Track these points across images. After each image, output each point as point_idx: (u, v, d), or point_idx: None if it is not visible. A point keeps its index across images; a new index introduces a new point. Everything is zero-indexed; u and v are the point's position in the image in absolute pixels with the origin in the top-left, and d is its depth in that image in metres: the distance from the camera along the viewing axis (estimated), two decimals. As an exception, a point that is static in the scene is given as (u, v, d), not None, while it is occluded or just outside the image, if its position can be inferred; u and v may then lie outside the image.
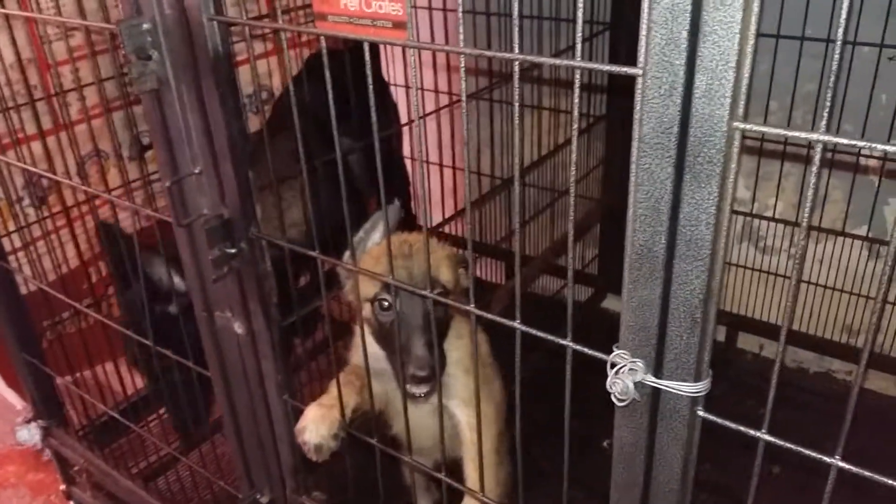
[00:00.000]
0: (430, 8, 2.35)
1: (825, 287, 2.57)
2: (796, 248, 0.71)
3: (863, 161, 2.36)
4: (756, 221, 2.66)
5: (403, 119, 2.56)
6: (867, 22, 2.16)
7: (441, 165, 2.74)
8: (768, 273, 2.68)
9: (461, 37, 0.79)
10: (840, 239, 2.49)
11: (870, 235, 2.45)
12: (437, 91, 2.59)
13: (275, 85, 2.67)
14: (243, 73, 2.73)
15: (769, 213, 2.62)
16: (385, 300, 1.32)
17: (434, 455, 1.56)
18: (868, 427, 2.45)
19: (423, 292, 1.03)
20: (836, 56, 0.63)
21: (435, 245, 1.43)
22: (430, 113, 2.18)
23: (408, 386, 1.28)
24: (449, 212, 2.57)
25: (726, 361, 2.80)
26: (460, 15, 0.78)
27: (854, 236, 2.47)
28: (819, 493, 0.80)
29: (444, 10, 2.46)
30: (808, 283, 2.59)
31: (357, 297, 1.30)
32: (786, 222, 2.58)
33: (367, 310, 1.34)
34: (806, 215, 0.70)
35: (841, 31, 0.62)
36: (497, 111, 2.88)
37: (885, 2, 2.12)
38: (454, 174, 2.91)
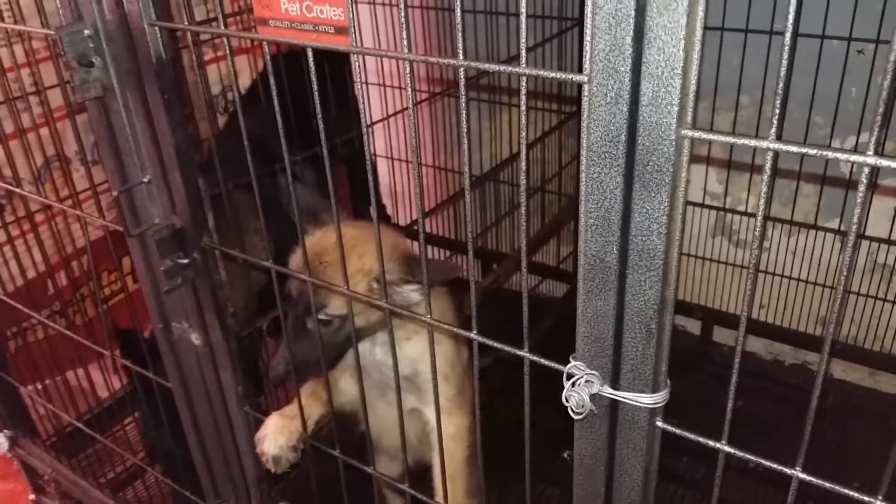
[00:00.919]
0: (396, 5, 2.31)
1: (798, 280, 2.57)
2: (754, 240, 0.69)
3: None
4: (729, 216, 2.66)
5: (369, 117, 2.54)
6: (836, 15, 2.15)
7: (409, 163, 2.72)
8: (742, 267, 2.68)
9: (405, 42, 0.76)
10: (812, 232, 2.49)
11: (841, 228, 2.45)
12: (401, 88, 2.56)
13: (243, 84, 2.63)
14: (212, 72, 2.69)
15: (742, 208, 2.61)
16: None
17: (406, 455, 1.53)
18: (843, 416, 2.47)
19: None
20: (784, 61, 0.61)
21: (353, 254, 1.27)
22: (395, 114, 2.15)
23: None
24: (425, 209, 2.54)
25: (702, 355, 2.80)
26: (403, 20, 0.75)
27: (826, 229, 2.47)
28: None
29: (405, 6, 2.43)
30: (782, 276, 2.60)
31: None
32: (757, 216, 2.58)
33: None
34: (759, 223, 0.68)
35: (789, 24, 0.60)
36: (472, 108, 2.86)
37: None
38: (427, 172, 2.89)
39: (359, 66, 0.81)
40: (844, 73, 2.23)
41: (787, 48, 0.60)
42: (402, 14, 0.74)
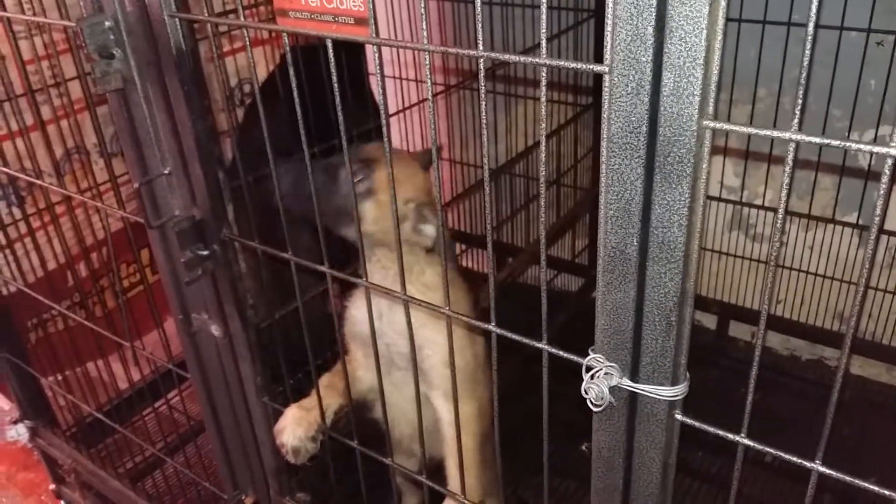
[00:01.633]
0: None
1: (815, 275, 2.55)
2: (774, 234, 0.69)
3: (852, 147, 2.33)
4: (746, 209, 2.64)
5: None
6: (854, 7, 2.13)
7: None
8: (759, 261, 2.66)
9: (424, 34, 0.76)
10: (830, 226, 2.47)
11: (860, 223, 2.43)
12: (418, 81, 2.57)
13: (261, 76, 2.64)
14: (229, 64, 2.70)
15: (759, 202, 2.60)
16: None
17: (416, 445, 1.54)
18: (860, 412, 2.46)
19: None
20: (807, 54, 0.61)
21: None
22: (411, 106, 2.15)
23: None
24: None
25: (718, 350, 2.79)
26: (422, 10, 0.75)
27: (844, 223, 2.45)
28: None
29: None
30: (799, 270, 2.58)
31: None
32: (775, 210, 2.55)
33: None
34: (780, 215, 0.68)
35: (811, 20, 0.60)
36: (487, 101, 2.85)
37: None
38: (443, 165, 2.89)
39: (377, 57, 0.81)
40: (863, 66, 2.21)
41: (809, 38, 0.60)
42: (422, 5, 0.74)
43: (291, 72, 0.89)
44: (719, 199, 2.64)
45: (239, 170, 1.11)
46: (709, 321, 2.85)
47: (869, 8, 2.11)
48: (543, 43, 0.69)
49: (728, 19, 2.04)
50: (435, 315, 1.35)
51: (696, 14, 0.61)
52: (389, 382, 1.44)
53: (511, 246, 2.96)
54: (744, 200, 2.61)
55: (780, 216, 0.68)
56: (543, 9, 0.68)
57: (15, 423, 2.35)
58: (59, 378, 2.04)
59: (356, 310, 1.46)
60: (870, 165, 2.34)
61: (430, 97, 0.80)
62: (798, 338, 2.73)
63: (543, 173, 0.79)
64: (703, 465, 2.24)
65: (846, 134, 2.32)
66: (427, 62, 0.78)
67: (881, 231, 2.40)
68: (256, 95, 1.00)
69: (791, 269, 2.60)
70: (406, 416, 1.46)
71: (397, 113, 2.26)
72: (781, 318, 2.66)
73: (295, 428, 1.25)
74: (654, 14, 0.62)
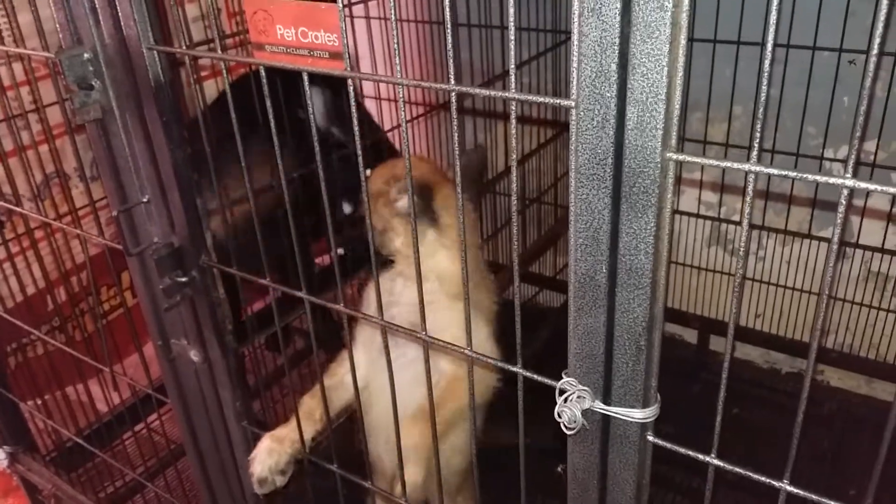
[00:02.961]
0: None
1: (794, 289, 2.59)
2: (740, 249, 0.71)
3: (826, 164, 2.38)
4: (724, 225, 2.68)
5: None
6: (827, 26, 2.18)
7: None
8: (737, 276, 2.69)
9: (398, 68, 0.78)
10: (807, 241, 2.51)
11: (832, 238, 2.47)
12: (409, 102, 2.59)
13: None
14: (208, 88, 2.71)
15: (736, 217, 2.63)
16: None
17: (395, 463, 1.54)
18: (840, 425, 2.49)
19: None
20: (765, 85, 0.63)
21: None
22: (393, 129, 2.17)
23: None
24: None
25: (699, 364, 2.81)
26: (395, 46, 0.77)
27: (820, 238, 2.49)
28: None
29: (404, 20, 2.45)
30: (777, 285, 2.62)
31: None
32: (752, 226, 2.60)
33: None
34: (742, 242, 0.70)
35: (770, 37, 0.62)
36: (469, 121, 2.88)
37: (844, 6, 2.14)
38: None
39: (354, 89, 0.83)
40: (836, 84, 2.25)
41: (767, 65, 0.62)
42: (395, 40, 0.76)
43: (232, 107, 0.90)
44: (697, 216, 2.68)
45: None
46: (690, 336, 2.88)
47: (841, 27, 2.16)
48: (512, 78, 0.71)
49: (702, 40, 2.07)
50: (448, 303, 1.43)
51: (658, 52, 0.63)
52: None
53: (493, 263, 2.98)
54: (722, 216, 2.65)
55: (743, 237, 0.70)
56: (511, 45, 0.69)
57: (-6, 447, 2.33)
58: (39, 402, 2.03)
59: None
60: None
61: (403, 126, 0.81)
62: (777, 351, 2.76)
63: (515, 203, 0.81)
64: (684, 480, 2.26)
65: (821, 151, 2.36)
66: (401, 95, 0.80)
67: (855, 246, 2.44)
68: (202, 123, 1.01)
69: (769, 283, 2.63)
70: (407, 397, 1.45)
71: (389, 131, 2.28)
72: (760, 331, 2.70)
73: (265, 459, 1.26)
74: (617, 52, 0.64)
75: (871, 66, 0.58)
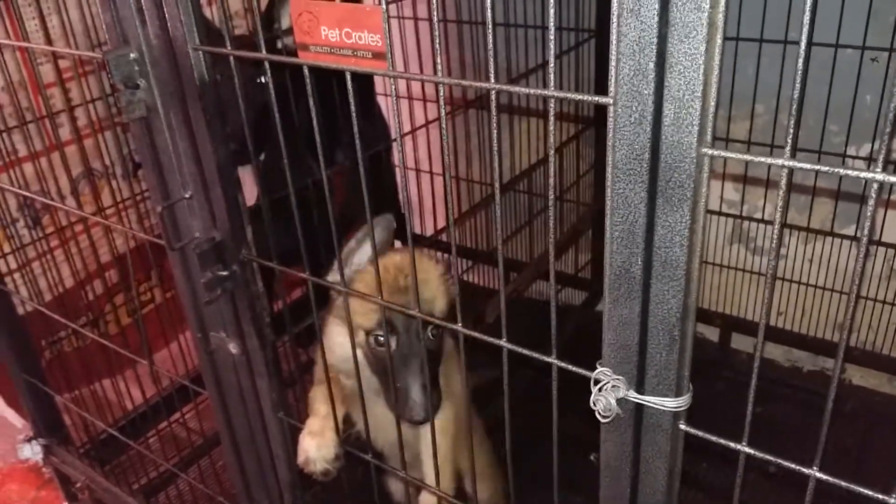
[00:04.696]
0: (415, 18, 2.37)
1: (816, 287, 2.59)
2: (771, 251, 0.73)
3: (849, 162, 2.38)
4: (746, 223, 2.68)
5: (392, 130, 2.59)
6: (849, 24, 2.18)
7: (432, 174, 2.76)
8: (759, 274, 2.70)
9: (439, 67, 0.81)
10: (829, 239, 2.51)
11: (858, 235, 2.47)
12: (425, 100, 2.62)
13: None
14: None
15: (758, 215, 2.64)
16: (381, 336, 1.32)
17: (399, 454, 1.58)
18: (862, 422, 2.49)
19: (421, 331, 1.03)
20: (798, 80, 0.65)
21: (429, 269, 1.38)
22: (420, 127, 2.20)
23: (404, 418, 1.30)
24: (442, 219, 2.60)
25: (721, 362, 2.82)
26: (437, 45, 0.80)
27: (843, 236, 2.49)
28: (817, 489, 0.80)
29: (427, 20, 2.48)
30: (800, 283, 2.62)
31: (347, 316, 1.28)
32: (774, 223, 2.60)
33: (360, 337, 1.35)
34: (776, 235, 0.72)
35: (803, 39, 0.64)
36: (487, 118, 2.90)
37: (867, 4, 2.15)
38: (449, 182, 2.93)
39: (394, 90, 0.86)
40: (859, 82, 2.26)
41: (801, 61, 0.65)
42: (437, 41, 0.79)
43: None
44: (720, 214, 2.68)
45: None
46: (711, 334, 2.88)
47: (863, 25, 2.17)
48: (552, 77, 0.74)
49: (726, 38, 2.09)
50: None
51: (695, 51, 0.65)
52: (379, 403, 1.47)
53: (515, 261, 3.01)
54: (744, 214, 2.66)
55: (775, 233, 0.72)
56: (552, 45, 0.72)
57: (28, 441, 2.39)
58: (73, 396, 2.08)
59: (337, 346, 1.42)
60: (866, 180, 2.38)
61: (442, 126, 0.84)
62: (799, 349, 2.76)
63: (552, 196, 0.83)
64: (707, 476, 2.27)
65: (843, 149, 2.37)
66: (441, 93, 0.83)
67: (878, 244, 2.44)
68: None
69: (791, 281, 2.64)
70: (392, 424, 1.48)
71: (407, 133, 2.31)
72: (783, 329, 2.70)
73: (317, 454, 1.29)
74: (654, 51, 0.67)
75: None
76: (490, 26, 0.76)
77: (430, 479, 1.43)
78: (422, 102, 2.57)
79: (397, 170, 2.67)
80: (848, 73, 2.25)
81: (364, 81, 2.09)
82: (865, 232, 0.68)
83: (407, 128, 2.37)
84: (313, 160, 1.90)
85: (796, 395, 2.68)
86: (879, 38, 2.17)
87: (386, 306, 1.13)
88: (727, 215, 2.68)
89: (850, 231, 2.48)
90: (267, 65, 0.98)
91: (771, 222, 2.60)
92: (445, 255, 1.52)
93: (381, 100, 2.56)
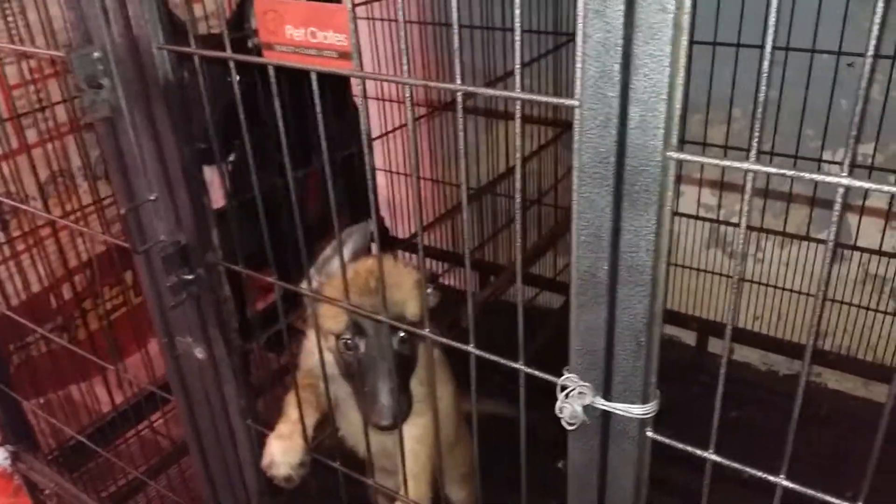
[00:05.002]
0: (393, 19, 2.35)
1: (792, 291, 2.61)
2: (737, 254, 0.72)
3: (825, 167, 2.40)
4: (723, 227, 2.69)
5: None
6: (825, 30, 2.19)
7: (409, 176, 2.75)
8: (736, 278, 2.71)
9: (405, 67, 0.79)
10: (805, 243, 2.52)
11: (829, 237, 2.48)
12: (401, 102, 2.60)
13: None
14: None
15: (735, 219, 2.65)
16: (350, 340, 1.30)
17: (381, 462, 1.56)
18: (837, 427, 2.50)
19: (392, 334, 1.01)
20: (764, 86, 0.65)
21: (402, 273, 1.37)
22: (394, 130, 2.18)
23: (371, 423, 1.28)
24: (424, 221, 2.58)
25: (698, 366, 2.82)
26: (403, 46, 0.78)
27: (818, 240, 2.50)
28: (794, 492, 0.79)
29: (407, 21, 2.47)
30: (776, 287, 2.63)
31: (315, 322, 1.26)
32: (751, 228, 2.61)
33: (331, 342, 1.33)
34: (741, 241, 0.72)
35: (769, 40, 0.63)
36: (470, 121, 2.90)
37: (842, 10, 2.16)
38: (426, 185, 2.93)
39: (363, 89, 0.85)
40: (834, 86, 2.27)
41: (765, 73, 0.64)
42: (402, 41, 0.78)
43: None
44: (696, 218, 2.69)
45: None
46: (688, 337, 2.89)
47: (839, 30, 2.18)
48: (518, 80, 0.73)
49: (703, 42, 2.08)
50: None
51: (660, 53, 0.64)
52: (355, 409, 1.45)
53: (494, 265, 3.00)
54: (721, 219, 2.67)
55: (740, 238, 0.71)
56: (517, 47, 0.71)
57: (-4, 446, 2.34)
58: (42, 402, 2.04)
59: (311, 352, 1.41)
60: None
61: (410, 128, 0.83)
62: (776, 353, 2.77)
63: (519, 200, 0.82)
64: (681, 482, 2.27)
65: (819, 153, 2.38)
66: (408, 95, 0.81)
67: (853, 248, 2.46)
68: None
69: (767, 285, 2.65)
70: (373, 434, 1.47)
71: (381, 136, 2.29)
72: (759, 333, 2.71)
73: (283, 458, 1.27)
74: (620, 52, 0.66)
75: (867, 68, 0.59)
76: (456, 27, 0.74)
77: (407, 487, 1.41)
78: (398, 104, 2.55)
79: (369, 171, 2.65)
80: (824, 78, 2.27)
81: (339, 81, 2.08)
82: (832, 237, 0.67)
83: (384, 130, 2.36)
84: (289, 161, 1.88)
85: (772, 398, 2.69)
86: (855, 42, 2.18)
87: (350, 310, 1.11)
88: (704, 219, 2.69)
89: (825, 235, 2.49)
90: (232, 64, 0.96)
91: (749, 227, 2.61)
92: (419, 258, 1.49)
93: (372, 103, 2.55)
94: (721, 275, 2.74)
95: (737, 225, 2.63)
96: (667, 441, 0.82)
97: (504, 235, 2.98)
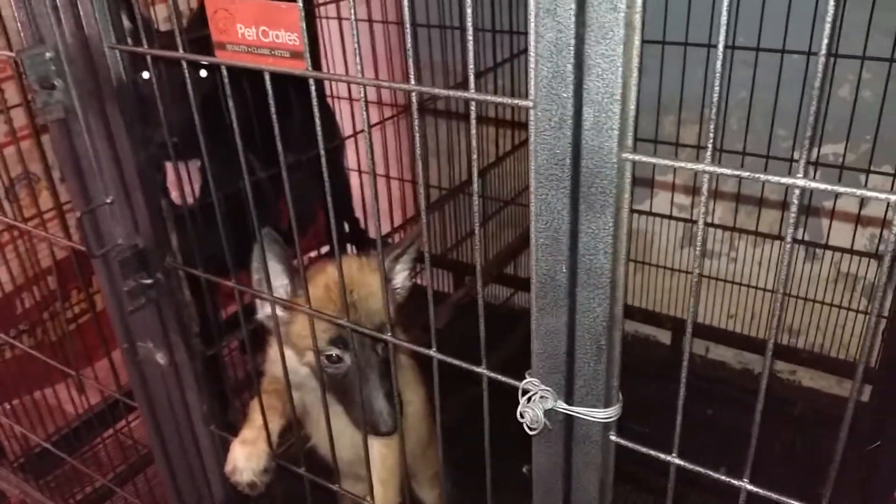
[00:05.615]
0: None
1: (765, 290, 2.62)
2: (697, 256, 0.71)
3: (796, 166, 2.41)
4: (695, 227, 2.69)
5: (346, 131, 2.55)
6: (795, 30, 2.20)
7: (388, 177, 2.73)
8: (710, 277, 2.72)
9: (358, 67, 0.78)
10: (777, 243, 2.53)
11: (806, 238, 2.50)
12: (381, 103, 2.59)
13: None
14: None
15: (708, 219, 2.66)
16: (334, 355, 1.28)
17: (355, 468, 1.54)
18: (811, 424, 2.51)
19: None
20: (717, 85, 0.64)
21: (372, 282, 1.34)
22: (361, 132, 2.15)
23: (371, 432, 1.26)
24: (397, 222, 2.57)
25: (673, 365, 2.83)
26: (356, 44, 0.77)
27: (792, 240, 2.51)
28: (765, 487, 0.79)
29: (381, 21, 2.45)
30: (749, 286, 2.64)
31: (278, 336, 1.18)
32: (723, 227, 2.62)
33: (307, 357, 1.31)
34: (699, 239, 0.71)
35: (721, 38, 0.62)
36: (442, 122, 2.88)
37: (811, 10, 2.17)
38: (401, 185, 2.91)
39: (314, 89, 0.83)
40: (805, 87, 2.28)
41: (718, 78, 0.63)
42: (355, 40, 0.76)
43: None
44: (670, 218, 2.70)
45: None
46: (664, 336, 2.89)
47: (809, 31, 2.19)
48: (472, 79, 0.71)
49: (674, 43, 2.07)
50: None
51: (612, 53, 0.63)
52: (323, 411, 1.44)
53: (469, 264, 2.99)
54: (694, 219, 2.67)
55: (699, 239, 0.71)
56: (470, 46, 0.70)
57: (-39, 454, 2.29)
58: (7, 407, 2.00)
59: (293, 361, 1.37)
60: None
61: (366, 128, 0.81)
62: (750, 352, 2.78)
63: (478, 211, 0.81)
64: (652, 479, 2.27)
65: (790, 153, 2.39)
66: (362, 94, 0.80)
67: (825, 247, 2.47)
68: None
69: (741, 284, 2.66)
70: (345, 439, 1.45)
71: (351, 136, 2.27)
72: (733, 332, 2.72)
73: (246, 464, 1.24)
74: (572, 52, 0.64)
75: (820, 67, 0.59)
76: (408, 26, 0.73)
77: (375, 492, 1.39)
78: (376, 105, 2.53)
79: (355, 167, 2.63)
80: (795, 79, 2.28)
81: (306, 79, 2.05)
82: (789, 239, 0.67)
83: (353, 129, 2.34)
84: (256, 160, 1.85)
85: (747, 397, 2.69)
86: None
87: (353, 328, 1.09)
88: (678, 219, 2.70)
89: (798, 234, 2.51)
90: (185, 64, 0.93)
91: (721, 226, 2.62)
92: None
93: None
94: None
95: (711, 225, 2.64)
96: (631, 445, 0.81)
97: (479, 235, 2.96)
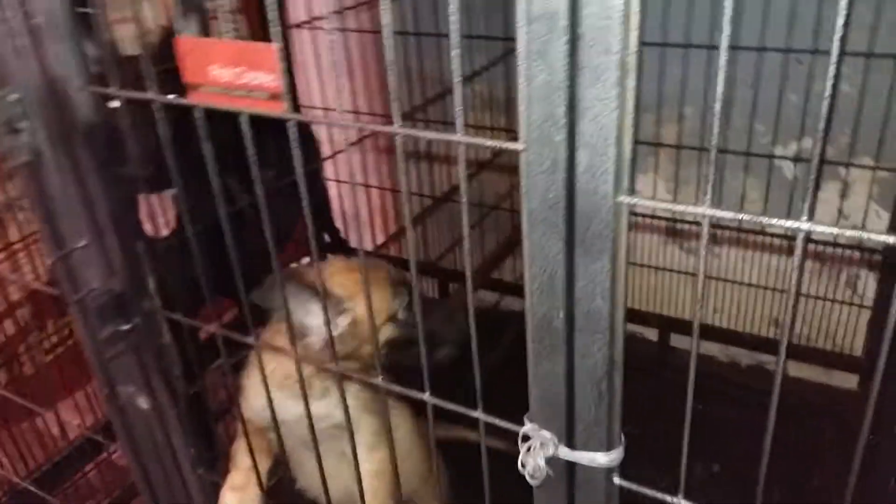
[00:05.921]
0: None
1: (749, 284, 2.62)
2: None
3: (777, 163, 2.41)
4: (679, 224, 2.69)
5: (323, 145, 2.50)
6: (773, 28, 2.20)
7: (367, 185, 2.70)
8: (694, 274, 2.72)
9: (339, 105, 0.74)
10: (760, 238, 2.54)
11: (789, 233, 2.50)
12: (358, 112, 2.54)
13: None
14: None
15: (691, 217, 2.65)
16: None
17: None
18: (800, 414, 2.52)
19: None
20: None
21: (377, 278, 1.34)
22: (339, 152, 2.12)
23: None
24: (379, 231, 2.54)
25: (660, 362, 2.83)
26: (337, 87, 0.73)
27: (773, 235, 2.52)
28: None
29: (368, 31, 2.41)
30: (733, 281, 2.64)
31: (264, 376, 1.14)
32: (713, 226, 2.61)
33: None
34: (700, 274, 0.68)
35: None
36: (428, 128, 2.84)
37: (787, 7, 2.16)
38: (381, 194, 2.88)
39: (291, 132, 0.79)
40: (784, 83, 2.28)
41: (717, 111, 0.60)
42: (337, 78, 0.73)
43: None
44: (653, 217, 2.69)
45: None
46: (650, 333, 2.89)
47: (786, 29, 2.18)
48: (459, 122, 0.68)
49: (652, 44, 2.05)
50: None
51: (606, 95, 0.61)
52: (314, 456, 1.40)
53: (457, 272, 2.96)
54: (676, 216, 2.67)
55: (700, 285, 0.68)
56: (458, 90, 0.66)
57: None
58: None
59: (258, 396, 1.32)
60: (795, 177, 2.42)
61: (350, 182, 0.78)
62: (736, 346, 2.79)
63: (467, 244, 0.78)
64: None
65: (770, 149, 2.39)
66: (344, 137, 0.77)
67: (808, 241, 2.47)
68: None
69: (726, 280, 2.66)
70: (334, 479, 1.41)
71: (330, 157, 2.23)
72: (719, 327, 2.72)
73: None
74: (564, 95, 0.62)
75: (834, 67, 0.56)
76: (392, 71, 0.70)
77: None
78: (352, 115, 2.49)
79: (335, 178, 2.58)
80: (773, 75, 2.27)
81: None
82: (701, 276, 0.64)
83: (334, 145, 2.30)
84: (235, 183, 1.81)
85: (735, 391, 2.71)
86: (803, 40, 2.18)
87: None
88: (661, 218, 2.69)
89: (780, 229, 2.51)
90: (157, 105, 0.89)
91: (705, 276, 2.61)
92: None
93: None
94: (679, 272, 2.75)
95: (693, 222, 2.63)
96: (635, 487, 0.79)
97: (468, 243, 2.93)
